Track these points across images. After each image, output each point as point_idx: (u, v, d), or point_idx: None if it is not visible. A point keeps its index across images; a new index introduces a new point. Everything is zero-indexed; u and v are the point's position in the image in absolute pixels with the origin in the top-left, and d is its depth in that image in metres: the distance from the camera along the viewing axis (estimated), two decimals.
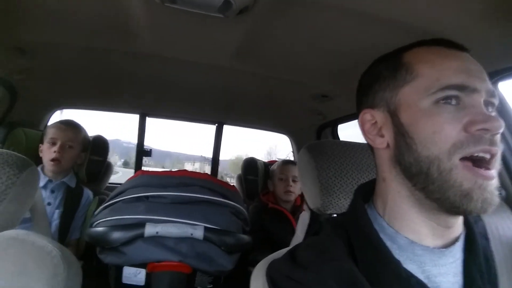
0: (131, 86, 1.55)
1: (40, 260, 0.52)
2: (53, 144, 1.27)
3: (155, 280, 0.92)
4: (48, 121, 1.77)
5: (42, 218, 1.15)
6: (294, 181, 1.56)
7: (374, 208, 0.49)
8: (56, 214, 1.24)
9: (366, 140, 0.51)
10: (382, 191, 0.48)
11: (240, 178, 1.99)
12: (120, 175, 8.18)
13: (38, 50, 1.11)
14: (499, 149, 0.41)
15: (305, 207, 0.89)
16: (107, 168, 1.63)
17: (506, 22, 0.68)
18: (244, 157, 2.08)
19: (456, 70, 0.42)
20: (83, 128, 1.39)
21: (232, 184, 1.37)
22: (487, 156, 0.40)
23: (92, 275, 1.12)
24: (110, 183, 1.77)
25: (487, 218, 0.50)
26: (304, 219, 0.94)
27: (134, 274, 0.90)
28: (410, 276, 0.41)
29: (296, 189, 1.56)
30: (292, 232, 1.04)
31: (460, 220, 0.46)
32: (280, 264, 0.47)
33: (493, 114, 0.44)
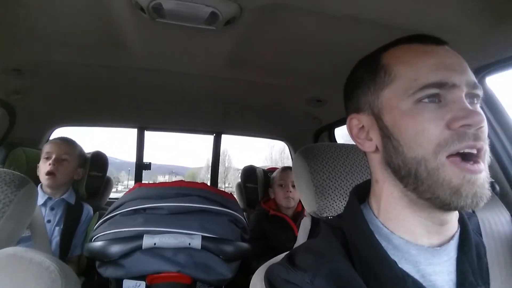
0: (128, 101, 1.56)
1: (38, 275, 0.53)
2: (48, 158, 1.27)
3: None
4: (47, 140, 1.77)
5: (42, 235, 1.15)
6: (294, 187, 1.55)
7: (370, 208, 0.49)
8: (56, 231, 1.24)
9: (356, 144, 0.51)
10: (376, 192, 0.49)
11: (239, 187, 1.99)
12: None
13: (34, 69, 1.12)
14: (484, 143, 0.40)
15: (306, 212, 0.88)
16: (107, 184, 1.63)
17: (492, 17, 0.69)
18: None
19: (433, 67, 0.42)
20: (78, 145, 1.40)
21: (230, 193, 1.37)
22: (473, 151, 0.40)
23: None
24: (111, 198, 1.77)
25: (480, 213, 0.50)
26: (305, 224, 0.93)
27: (134, 287, 0.90)
28: (405, 275, 0.41)
29: (296, 195, 1.55)
30: (294, 238, 1.02)
31: (454, 217, 0.46)
32: (278, 267, 0.47)
33: (477, 106, 0.43)
